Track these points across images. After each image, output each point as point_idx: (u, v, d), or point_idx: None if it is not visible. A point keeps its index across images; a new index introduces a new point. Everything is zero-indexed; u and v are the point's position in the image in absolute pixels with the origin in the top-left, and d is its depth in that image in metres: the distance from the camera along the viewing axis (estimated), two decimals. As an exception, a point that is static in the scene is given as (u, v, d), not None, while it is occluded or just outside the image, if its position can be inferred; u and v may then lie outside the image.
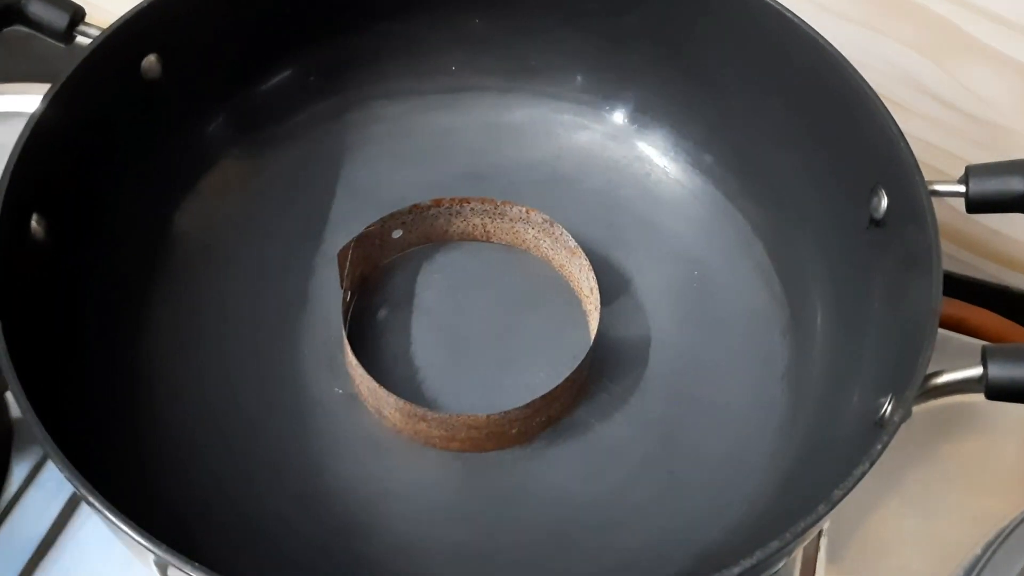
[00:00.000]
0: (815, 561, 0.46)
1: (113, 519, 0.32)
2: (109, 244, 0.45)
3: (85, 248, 0.44)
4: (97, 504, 0.33)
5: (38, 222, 0.41)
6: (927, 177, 0.41)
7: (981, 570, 0.42)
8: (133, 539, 0.32)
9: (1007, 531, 0.43)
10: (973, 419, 0.50)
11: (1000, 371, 0.35)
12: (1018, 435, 0.50)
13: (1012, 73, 0.51)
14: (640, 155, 0.54)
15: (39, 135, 0.40)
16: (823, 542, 0.47)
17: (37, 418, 0.34)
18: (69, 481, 0.33)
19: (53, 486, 0.47)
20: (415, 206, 0.50)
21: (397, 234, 0.51)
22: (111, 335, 0.45)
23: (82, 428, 0.40)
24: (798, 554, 0.46)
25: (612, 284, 0.50)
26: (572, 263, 0.50)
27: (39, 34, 0.44)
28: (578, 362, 0.45)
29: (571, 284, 0.51)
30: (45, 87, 0.42)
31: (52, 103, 0.41)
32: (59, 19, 0.44)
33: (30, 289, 0.40)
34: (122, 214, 0.46)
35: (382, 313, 0.50)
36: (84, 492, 0.33)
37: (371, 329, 0.49)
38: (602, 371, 0.48)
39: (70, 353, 0.42)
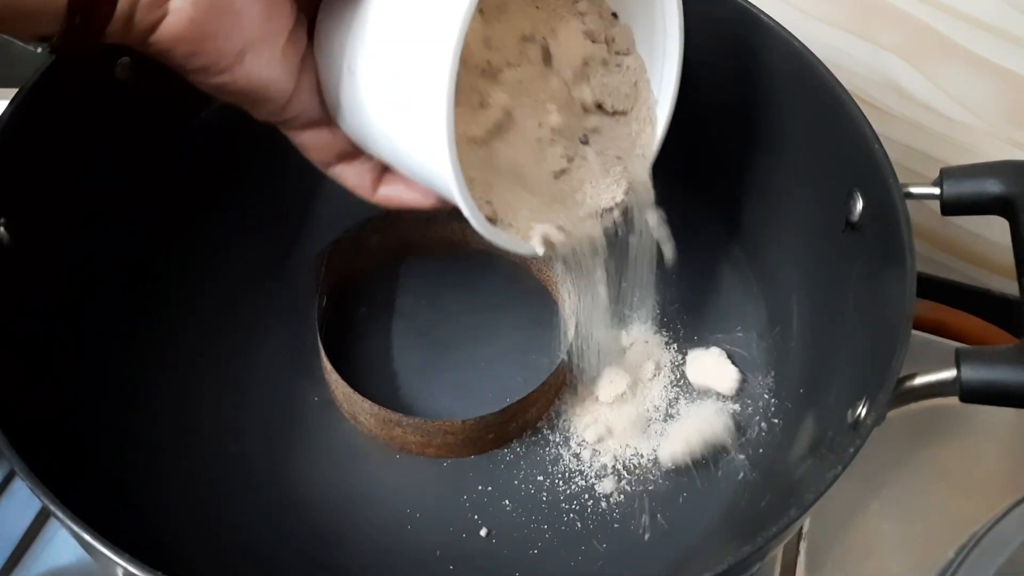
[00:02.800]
0: (795, 564, 0.46)
1: (78, 530, 0.32)
2: (80, 251, 0.45)
3: (55, 255, 0.43)
4: (61, 515, 0.32)
5: (5, 228, 0.40)
6: (904, 179, 0.40)
7: (954, 574, 0.42)
8: (99, 551, 0.32)
9: (979, 535, 0.43)
10: (951, 423, 0.50)
11: (974, 373, 0.35)
12: (996, 438, 0.50)
13: (990, 76, 0.51)
14: (618, 158, 0.54)
15: (6, 138, 0.40)
16: (803, 546, 0.46)
17: (1, 430, 0.34)
18: (33, 492, 0.33)
19: (27, 494, 0.47)
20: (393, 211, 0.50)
21: (374, 239, 0.50)
22: (81, 343, 0.45)
23: (50, 439, 0.39)
24: (778, 557, 0.46)
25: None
26: (549, 267, 0.50)
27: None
28: (555, 367, 0.45)
29: (548, 288, 0.50)
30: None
31: (20, 106, 0.40)
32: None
33: (-4, 297, 0.40)
34: (94, 221, 0.45)
35: (358, 319, 0.50)
36: (48, 503, 0.32)
37: (347, 335, 0.49)
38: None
39: (38, 362, 0.41)
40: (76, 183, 0.43)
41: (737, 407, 0.47)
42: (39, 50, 0.33)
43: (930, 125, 0.54)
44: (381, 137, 0.35)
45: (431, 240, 0.51)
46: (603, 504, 0.44)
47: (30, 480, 0.33)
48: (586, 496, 0.44)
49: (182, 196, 0.50)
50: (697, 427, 0.45)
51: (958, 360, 0.35)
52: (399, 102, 0.34)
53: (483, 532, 0.43)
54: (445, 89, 0.31)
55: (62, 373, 0.43)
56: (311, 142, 0.38)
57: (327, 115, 0.37)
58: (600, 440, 0.46)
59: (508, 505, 0.44)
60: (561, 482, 0.45)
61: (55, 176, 0.42)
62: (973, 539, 0.43)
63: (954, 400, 0.36)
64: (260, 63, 0.34)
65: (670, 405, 0.47)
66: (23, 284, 0.40)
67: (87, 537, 0.32)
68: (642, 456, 0.45)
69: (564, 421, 0.46)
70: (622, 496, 0.44)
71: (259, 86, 0.34)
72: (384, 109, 0.35)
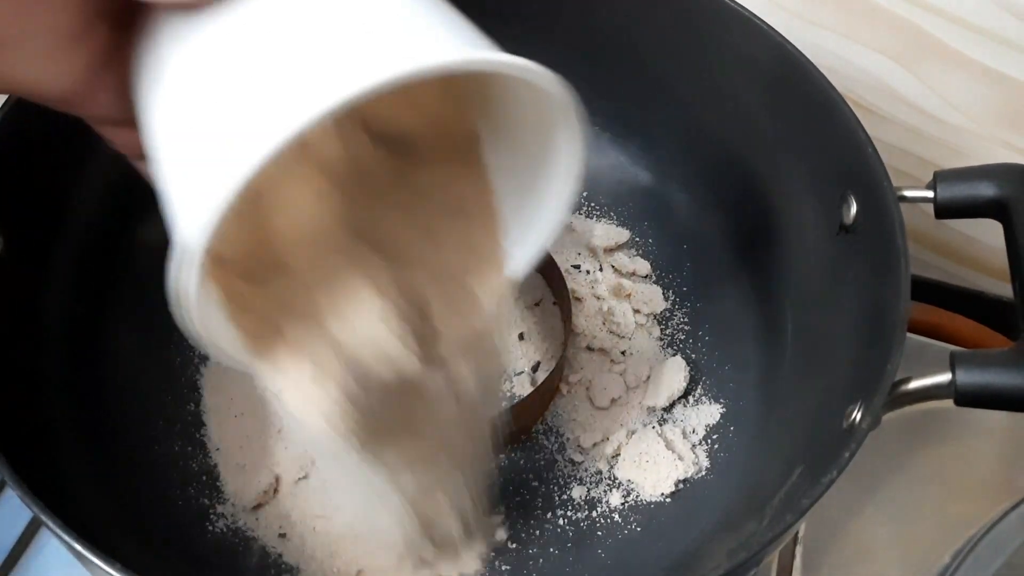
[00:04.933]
0: (791, 568, 0.46)
1: (69, 540, 0.32)
2: (72, 258, 0.45)
3: (46, 262, 0.43)
4: (52, 525, 0.32)
5: (-2, 237, 0.40)
6: (897, 183, 0.40)
7: (951, 577, 0.42)
8: (90, 561, 0.32)
9: (975, 539, 0.43)
10: (946, 426, 0.50)
11: (969, 377, 0.35)
12: (991, 441, 0.50)
13: (983, 78, 0.51)
14: (613, 163, 0.54)
15: (-4, 147, 0.40)
16: (799, 550, 0.46)
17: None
18: (23, 501, 0.33)
19: (18, 503, 0.46)
20: (385, 215, 0.49)
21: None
22: (73, 351, 0.44)
23: (41, 449, 0.39)
24: (773, 561, 0.46)
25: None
26: (545, 273, 0.50)
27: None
28: (549, 372, 0.45)
29: (547, 290, 0.50)
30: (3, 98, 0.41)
31: (9, 114, 0.40)
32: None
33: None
34: (85, 227, 0.45)
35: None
36: (38, 511, 0.32)
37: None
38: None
39: (29, 370, 0.41)
40: (68, 191, 0.43)
41: (731, 411, 0.47)
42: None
43: (923, 128, 0.54)
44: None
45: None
46: (598, 509, 0.44)
47: (20, 490, 0.33)
48: (581, 501, 0.44)
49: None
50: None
51: (953, 363, 0.35)
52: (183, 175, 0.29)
53: (478, 538, 0.43)
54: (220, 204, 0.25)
55: (52, 383, 0.43)
56: (117, 139, 0.33)
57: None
58: (595, 445, 0.45)
59: (503, 510, 0.44)
60: (556, 487, 0.45)
61: (46, 184, 0.42)
62: (969, 543, 0.43)
63: (948, 403, 0.36)
64: (14, 61, 0.29)
65: (666, 410, 0.47)
66: (17, 293, 0.40)
67: (78, 547, 0.32)
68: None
69: (559, 426, 0.46)
70: (618, 501, 0.44)
71: (20, 85, 0.30)
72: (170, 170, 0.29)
